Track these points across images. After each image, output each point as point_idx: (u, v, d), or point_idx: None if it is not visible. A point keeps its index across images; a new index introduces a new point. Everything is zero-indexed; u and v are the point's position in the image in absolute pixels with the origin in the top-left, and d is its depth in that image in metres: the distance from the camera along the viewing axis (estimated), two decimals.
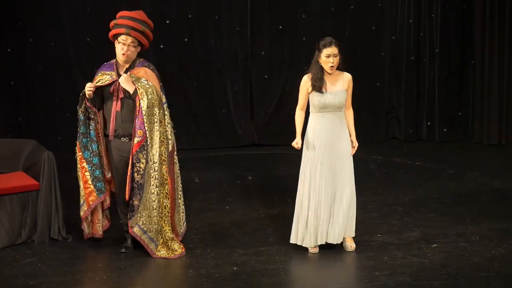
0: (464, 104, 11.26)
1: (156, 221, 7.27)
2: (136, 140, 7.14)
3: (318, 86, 7.21)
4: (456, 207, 8.56)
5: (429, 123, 11.25)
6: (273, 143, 10.96)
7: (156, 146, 7.17)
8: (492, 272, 6.95)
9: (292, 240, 7.43)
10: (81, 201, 7.44)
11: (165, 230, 7.34)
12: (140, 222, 7.23)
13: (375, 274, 6.94)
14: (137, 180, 7.18)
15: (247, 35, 10.98)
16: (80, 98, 7.27)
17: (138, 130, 7.13)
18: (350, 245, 7.43)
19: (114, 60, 7.32)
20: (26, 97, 10.62)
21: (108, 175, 7.43)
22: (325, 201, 7.26)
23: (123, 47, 7.16)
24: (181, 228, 7.54)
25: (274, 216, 8.34)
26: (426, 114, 11.24)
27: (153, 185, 7.19)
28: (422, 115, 11.27)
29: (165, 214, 7.32)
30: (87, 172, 7.32)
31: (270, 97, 11.11)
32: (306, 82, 7.28)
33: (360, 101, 11.17)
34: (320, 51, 7.22)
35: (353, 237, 7.46)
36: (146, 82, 7.20)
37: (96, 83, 7.21)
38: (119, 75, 7.22)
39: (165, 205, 7.31)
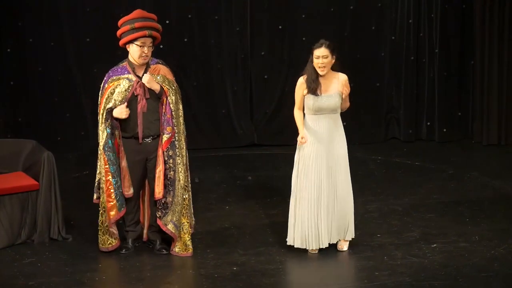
0: (463, 104, 11.26)
1: (182, 214, 7.29)
2: (165, 137, 7.13)
3: (312, 88, 7.20)
4: (456, 207, 8.56)
5: (428, 123, 11.25)
6: (273, 143, 10.96)
7: (183, 140, 7.23)
8: (492, 272, 6.95)
9: (289, 242, 7.42)
10: (101, 210, 7.32)
11: (183, 223, 7.33)
12: (174, 219, 7.24)
13: (375, 274, 6.94)
14: (169, 177, 7.18)
15: (247, 35, 10.97)
16: (105, 113, 7.13)
17: (167, 127, 7.12)
18: (342, 245, 7.44)
19: (125, 63, 7.26)
20: (26, 97, 10.62)
21: (129, 192, 7.34)
22: (320, 204, 7.24)
23: (143, 49, 7.09)
24: (193, 220, 7.54)
25: (273, 216, 8.34)
26: (425, 114, 11.23)
27: (182, 179, 7.24)
28: (422, 115, 11.26)
29: (184, 207, 7.33)
30: (111, 186, 7.23)
31: (270, 97, 11.10)
32: (301, 84, 7.29)
33: (360, 101, 11.18)
34: (312, 52, 7.24)
35: (350, 239, 7.48)
36: (168, 79, 7.19)
37: (112, 92, 7.12)
38: (138, 77, 7.17)
39: (186, 197, 7.34)
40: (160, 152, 7.17)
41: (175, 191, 7.22)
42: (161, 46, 10.79)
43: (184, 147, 7.31)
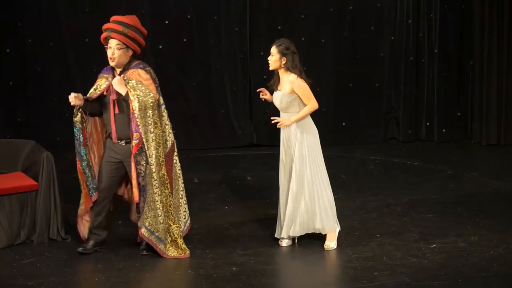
0: (463, 104, 11.26)
1: (161, 220, 7.27)
2: (134, 142, 7.15)
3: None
4: (455, 207, 8.56)
5: (428, 124, 11.25)
6: (272, 144, 10.91)
7: (152, 148, 7.17)
8: (491, 272, 6.95)
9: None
10: (81, 200, 7.48)
11: (173, 228, 7.33)
12: (147, 223, 7.23)
13: (374, 274, 6.94)
14: (139, 183, 7.19)
15: (246, 35, 10.98)
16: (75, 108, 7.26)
17: (135, 133, 7.14)
18: (327, 243, 7.48)
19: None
20: (25, 98, 10.62)
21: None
22: (284, 198, 7.49)
23: (109, 51, 7.19)
24: (181, 228, 7.53)
25: (273, 216, 8.32)
26: (425, 114, 11.23)
27: (154, 185, 7.20)
28: (421, 115, 11.26)
29: (171, 212, 7.33)
30: (81, 174, 7.37)
31: None
32: None
33: (359, 101, 11.20)
34: None
35: (332, 234, 7.53)
36: (139, 85, 7.18)
37: (95, 88, 7.27)
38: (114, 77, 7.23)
39: (169, 204, 7.32)
40: (132, 156, 7.21)
41: (146, 197, 7.21)
42: (160, 46, 10.82)
43: (155, 155, 7.18)
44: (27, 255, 7.40)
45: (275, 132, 10.97)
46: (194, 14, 10.85)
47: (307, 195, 7.40)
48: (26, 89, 10.61)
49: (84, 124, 7.31)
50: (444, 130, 11.21)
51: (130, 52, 7.25)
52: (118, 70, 7.27)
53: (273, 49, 7.41)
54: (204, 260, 7.26)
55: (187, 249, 7.37)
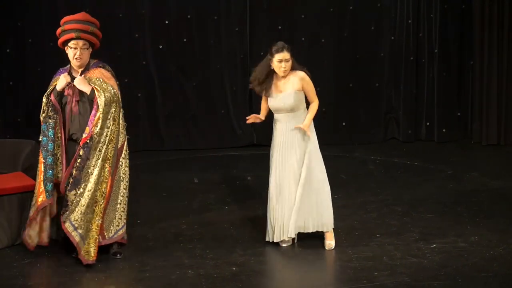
0: (463, 104, 11.26)
1: (89, 218, 7.11)
2: (84, 135, 7.11)
3: (260, 90, 7.45)
4: (455, 207, 8.56)
5: (428, 124, 11.25)
6: None
7: (101, 144, 7.12)
8: (491, 272, 6.95)
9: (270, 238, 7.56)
10: (33, 201, 7.29)
11: (92, 229, 7.15)
12: (72, 218, 7.10)
13: (374, 274, 6.94)
14: (74, 175, 7.09)
15: (246, 35, 10.98)
16: (44, 96, 7.24)
17: (86, 127, 7.11)
18: (328, 242, 7.49)
19: (68, 66, 7.31)
20: (25, 98, 10.62)
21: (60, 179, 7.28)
22: (285, 197, 7.45)
23: (75, 52, 7.15)
24: (110, 233, 7.30)
25: None
26: (425, 114, 11.24)
27: (90, 182, 7.09)
28: (421, 115, 11.27)
29: (97, 213, 7.15)
30: (41, 173, 7.23)
31: None
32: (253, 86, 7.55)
33: (359, 101, 11.20)
34: (272, 56, 7.34)
35: (332, 233, 7.54)
36: (102, 81, 7.18)
37: (51, 88, 7.21)
38: (73, 79, 7.19)
39: (101, 204, 7.15)
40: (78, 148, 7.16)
41: (78, 191, 7.08)
42: (160, 46, 10.82)
43: (104, 151, 7.12)
44: (27, 255, 7.39)
45: None
46: (194, 14, 10.85)
47: (317, 192, 7.42)
48: (26, 89, 10.61)
49: (57, 118, 7.22)
50: (444, 130, 11.21)
51: (91, 50, 7.24)
52: (78, 72, 7.22)
53: (287, 54, 7.29)
54: (204, 260, 7.26)
55: (91, 256, 7.09)
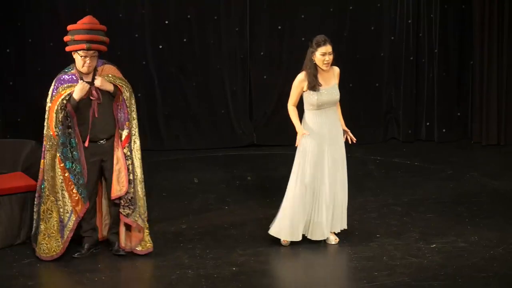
0: (463, 104, 11.26)
1: (145, 209, 7.31)
2: (125, 132, 7.19)
3: (313, 84, 7.28)
4: (455, 207, 8.57)
5: (428, 124, 11.26)
6: (272, 144, 10.96)
7: (134, 136, 7.26)
8: (491, 272, 6.95)
9: (276, 233, 7.51)
10: (67, 217, 7.22)
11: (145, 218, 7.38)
12: (139, 213, 7.24)
13: (374, 274, 6.94)
14: (130, 173, 7.19)
15: (246, 35, 10.98)
16: (58, 107, 7.14)
17: (126, 122, 7.17)
18: (335, 238, 7.53)
19: (74, 70, 7.26)
20: (25, 98, 10.62)
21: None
22: (327, 194, 7.37)
23: (85, 60, 7.13)
24: (141, 215, 7.43)
25: (273, 216, 8.31)
26: (425, 114, 11.24)
27: (139, 174, 7.25)
28: (421, 115, 11.27)
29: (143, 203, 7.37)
30: (71, 182, 7.18)
31: (269, 98, 11.10)
32: (302, 80, 7.35)
33: (359, 101, 11.20)
34: (315, 49, 7.28)
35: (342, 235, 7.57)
36: (115, 77, 7.23)
37: (65, 99, 7.13)
38: (89, 83, 7.17)
39: (143, 191, 7.35)
40: (119, 149, 7.19)
41: (136, 187, 7.23)
42: (160, 46, 10.83)
43: (138, 142, 7.32)
44: (27, 255, 7.39)
45: (275, 132, 11.03)
46: (194, 14, 10.85)
47: (344, 191, 7.50)
48: (26, 89, 10.61)
49: (74, 126, 7.21)
50: (444, 130, 11.22)
51: (98, 56, 7.25)
52: (88, 75, 7.20)
53: (330, 47, 7.26)
54: (204, 260, 7.26)
55: (150, 243, 7.36)
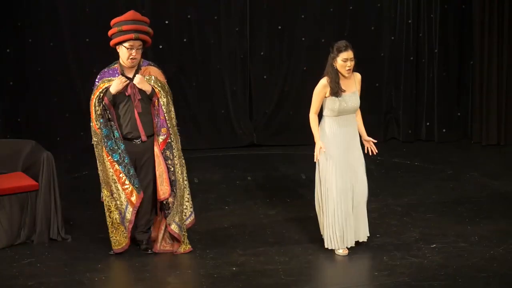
0: (463, 104, 11.26)
1: (186, 214, 7.41)
2: (161, 138, 7.18)
3: (336, 89, 7.20)
4: (455, 207, 8.57)
5: (428, 124, 11.25)
6: (272, 144, 10.95)
7: (177, 141, 7.28)
8: (491, 272, 6.95)
9: (330, 245, 7.38)
10: (124, 209, 7.27)
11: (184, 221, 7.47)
12: (177, 219, 7.28)
13: (374, 274, 6.95)
14: (170, 178, 7.23)
15: (246, 35, 10.98)
16: (96, 100, 7.17)
17: (162, 128, 7.18)
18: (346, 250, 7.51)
19: (117, 65, 7.27)
20: (25, 98, 10.62)
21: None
22: (350, 201, 7.36)
23: (130, 52, 7.11)
24: (187, 215, 7.57)
25: (273, 216, 8.35)
26: (425, 114, 11.23)
27: (184, 179, 7.33)
28: (421, 115, 11.26)
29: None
30: (122, 174, 7.21)
31: (269, 98, 11.10)
32: (324, 86, 7.25)
33: (359, 101, 11.18)
34: (336, 55, 7.22)
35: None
36: (159, 81, 7.21)
37: (103, 92, 7.15)
38: (129, 78, 7.18)
39: (186, 197, 7.45)
40: (157, 152, 7.19)
41: (176, 192, 7.24)
42: (161, 46, 10.82)
43: (179, 148, 7.35)
44: (27, 255, 7.40)
45: (275, 132, 11.03)
46: (194, 14, 10.85)
47: (364, 198, 7.51)
48: (26, 89, 10.61)
49: (114, 119, 7.22)
50: (444, 130, 11.21)
51: (142, 50, 7.25)
52: (130, 70, 7.20)
53: (351, 53, 7.19)
54: (204, 260, 7.27)
55: (188, 244, 7.44)
